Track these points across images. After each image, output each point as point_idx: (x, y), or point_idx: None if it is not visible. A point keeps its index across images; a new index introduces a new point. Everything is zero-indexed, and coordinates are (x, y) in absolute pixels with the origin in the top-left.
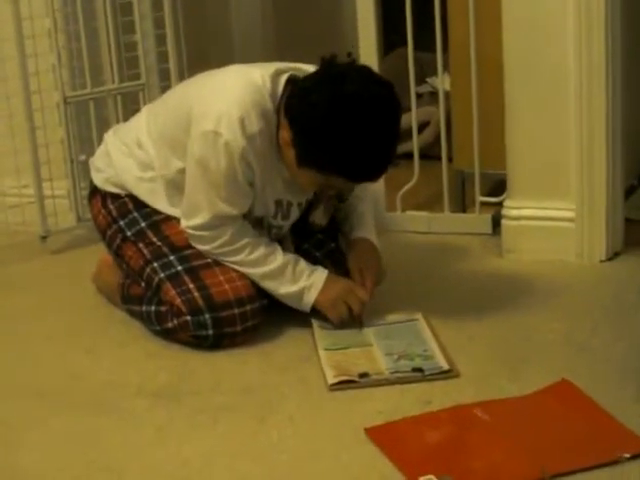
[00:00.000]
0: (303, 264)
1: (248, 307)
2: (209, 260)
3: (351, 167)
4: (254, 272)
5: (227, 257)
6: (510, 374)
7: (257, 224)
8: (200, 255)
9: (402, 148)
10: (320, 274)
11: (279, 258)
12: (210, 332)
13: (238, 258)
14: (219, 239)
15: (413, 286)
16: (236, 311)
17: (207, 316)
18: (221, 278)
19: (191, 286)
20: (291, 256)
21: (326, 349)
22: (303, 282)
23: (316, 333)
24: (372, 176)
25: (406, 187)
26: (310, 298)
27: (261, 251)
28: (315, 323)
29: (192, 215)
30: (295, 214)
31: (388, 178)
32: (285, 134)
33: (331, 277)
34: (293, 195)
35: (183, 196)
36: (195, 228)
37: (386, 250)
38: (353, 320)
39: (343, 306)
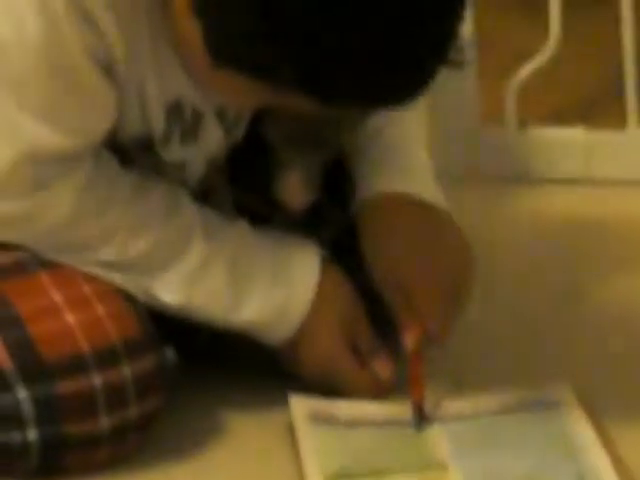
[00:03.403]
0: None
1: (126, 369)
2: (22, 255)
3: (337, 74)
4: (146, 287)
5: (74, 256)
6: None
7: (130, 160)
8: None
9: None
10: (307, 268)
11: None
12: (32, 437)
13: (104, 256)
14: (46, 217)
15: (550, 313)
16: (97, 381)
17: (23, 395)
18: (56, 298)
19: None
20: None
21: (331, 478)
22: (272, 289)
23: (302, 435)
24: (388, 97)
25: (529, 67)
26: (286, 331)
27: (157, 231)
28: (298, 406)
29: None
30: (215, 137)
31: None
32: None
33: (332, 275)
34: (201, 89)
35: None
36: None
37: (468, 226)
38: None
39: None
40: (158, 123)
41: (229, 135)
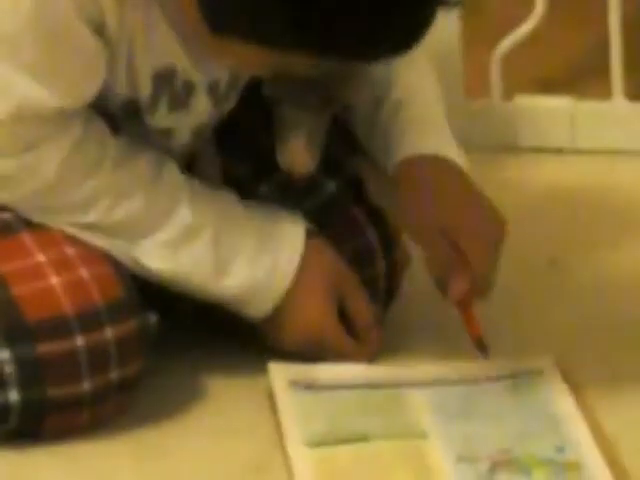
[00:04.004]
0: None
1: (109, 331)
2: (6, 215)
3: (332, 25)
4: (130, 248)
5: (60, 217)
6: None
7: (117, 128)
8: None
9: None
10: (292, 239)
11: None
12: (14, 398)
13: (90, 219)
14: (33, 178)
15: (533, 282)
16: (79, 343)
17: (5, 355)
18: (40, 259)
19: None
20: (225, 197)
21: (311, 444)
22: (257, 257)
23: (282, 402)
24: (389, 45)
25: (514, 36)
26: (268, 301)
27: (143, 196)
28: (278, 373)
29: None
30: (205, 108)
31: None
32: None
33: (318, 244)
34: (195, 61)
35: None
36: None
37: None
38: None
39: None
40: (145, 88)
41: (219, 107)
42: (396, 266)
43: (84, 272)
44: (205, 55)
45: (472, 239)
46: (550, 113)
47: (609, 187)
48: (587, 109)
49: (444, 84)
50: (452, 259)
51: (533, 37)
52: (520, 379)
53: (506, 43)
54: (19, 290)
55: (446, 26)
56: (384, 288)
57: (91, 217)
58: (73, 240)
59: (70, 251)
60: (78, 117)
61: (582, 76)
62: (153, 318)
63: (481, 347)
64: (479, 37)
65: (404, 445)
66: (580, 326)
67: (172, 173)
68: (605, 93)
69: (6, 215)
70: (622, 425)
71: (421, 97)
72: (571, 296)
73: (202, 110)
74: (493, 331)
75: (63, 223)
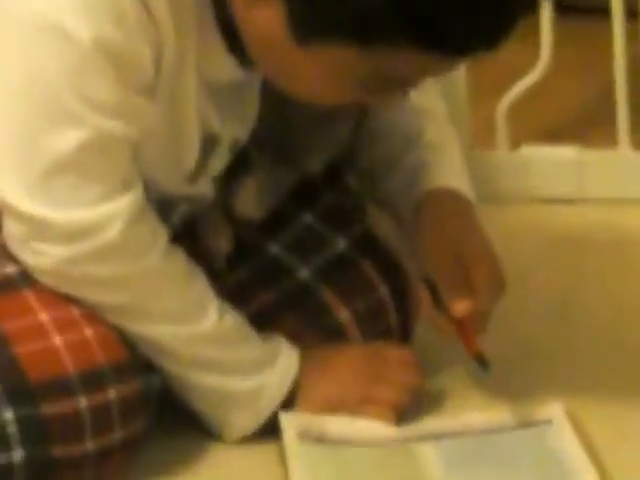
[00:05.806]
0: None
1: (112, 392)
2: (10, 270)
3: (446, 16)
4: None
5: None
6: None
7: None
8: None
9: None
10: (285, 353)
11: (213, 309)
12: (17, 458)
13: (122, 300)
14: (97, 234)
15: (541, 331)
16: (83, 402)
17: (9, 415)
18: (43, 317)
19: None
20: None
21: None
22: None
23: (292, 454)
24: (490, 36)
25: (520, 84)
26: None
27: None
28: (289, 423)
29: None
30: (221, 164)
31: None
32: None
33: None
34: (234, 121)
35: None
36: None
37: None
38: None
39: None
40: (192, 154)
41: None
42: (408, 317)
43: (88, 332)
44: (292, 79)
45: (484, 274)
46: (557, 163)
47: (619, 235)
48: (594, 158)
49: None
50: (460, 282)
51: (539, 87)
52: (529, 429)
53: (512, 94)
54: (21, 349)
55: (453, 78)
56: (397, 338)
57: (124, 298)
58: (76, 299)
59: (74, 311)
60: (138, 183)
61: (588, 125)
62: (155, 378)
63: (482, 362)
64: (485, 88)
65: None
66: (590, 373)
67: (202, 278)
68: (611, 142)
69: (10, 270)
70: (633, 474)
71: (448, 142)
72: (582, 346)
73: (218, 167)
74: (502, 379)
75: (98, 295)
